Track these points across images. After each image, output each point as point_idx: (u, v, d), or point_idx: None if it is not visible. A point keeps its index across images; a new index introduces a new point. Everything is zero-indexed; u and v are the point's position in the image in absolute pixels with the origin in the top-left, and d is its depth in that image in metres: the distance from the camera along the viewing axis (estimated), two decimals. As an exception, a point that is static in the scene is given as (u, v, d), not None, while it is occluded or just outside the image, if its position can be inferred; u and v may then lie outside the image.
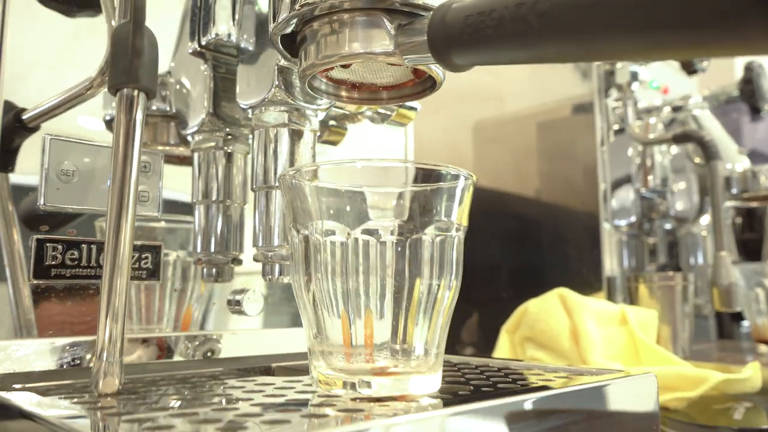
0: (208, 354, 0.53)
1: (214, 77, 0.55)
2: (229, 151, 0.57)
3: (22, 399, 0.37)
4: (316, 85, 0.45)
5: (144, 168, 0.49)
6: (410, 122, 0.59)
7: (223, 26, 0.52)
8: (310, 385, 0.42)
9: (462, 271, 0.42)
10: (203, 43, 0.53)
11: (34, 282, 0.44)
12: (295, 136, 0.50)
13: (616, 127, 0.98)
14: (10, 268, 0.46)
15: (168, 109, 0.59)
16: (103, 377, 0.36)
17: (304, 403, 0.37)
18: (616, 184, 0.99)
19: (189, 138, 0.58)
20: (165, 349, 0.50)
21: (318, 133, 0.52)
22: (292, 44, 0.44)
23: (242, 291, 0.53)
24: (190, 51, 0.54)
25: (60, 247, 0.44)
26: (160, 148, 0.60)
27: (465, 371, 0.50)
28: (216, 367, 0.52)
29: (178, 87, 0.60)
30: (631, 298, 0.85)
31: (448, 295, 0.40)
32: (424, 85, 0.46)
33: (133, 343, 0.48)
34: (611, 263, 0.87)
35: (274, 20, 0.42)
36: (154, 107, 0.59)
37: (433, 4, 0.39)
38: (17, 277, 0.46)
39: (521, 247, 0.98)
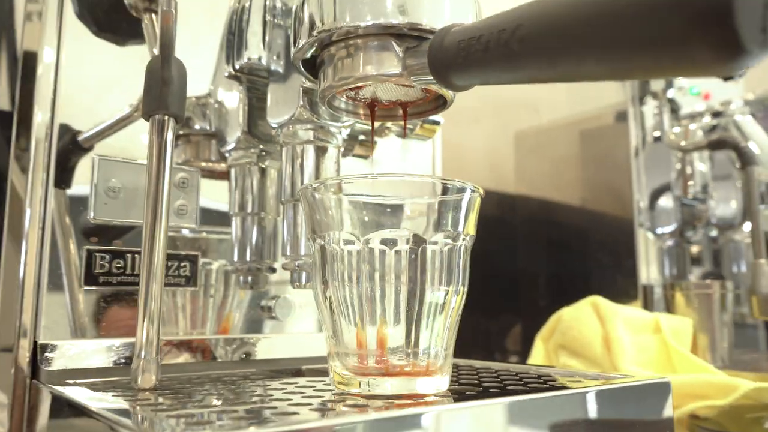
0: (244, 356, 0.57)
1: (248, 98, 0.60)
2: (263, 166, 0.61)
3: (74, 393, 0.41)
4: (336, 105, 0.49)
5: (182, 183, 0.53)
6: (434, 135, 0.62)
7: (254, 51, 0.56)
8: (329, 384, 0.45)
9: (468, 277, 0.44)
10: (237, 66, 0.57)
11: (86, 288, 0.49)
12: (320, 151, 0.54)
13: (656, 134, 0.98)
14: (67, 276, 0.51)
15: (208, 128, 0.64)
16: (141, 374, 0.40)
17: (318, 399, 0.40)
18: (657, 192, 0.99)
19: (227, 155, 0.62)
20: (202, 351, 0.54)
21: (342, 149, 0.55)
22: (314, 67, 0.48)
23: (274, 297, 0.57)
24: (226, 74, 0.59)
25: (107, 256, 0.49)
26: (202, 164, 0.65)
27: (483, 375, 0.52)
28: (250, 368, 0.56)
29: (217, 107, 0.64)
30: (668, 307, 0.85)
31: (455, 301, 0.43)
32: (437, 102, 0.49)
33: (175, 346, 0.52)
34: (647, 271, 0.87)
35: (294, 45, 0.46)
36: (197, 126, 0.64)
37: (438, 27, 0.41)
38: (73, 283, 0.51)
39: (559, 255, 0.98)
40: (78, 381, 0.45)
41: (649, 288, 0.86)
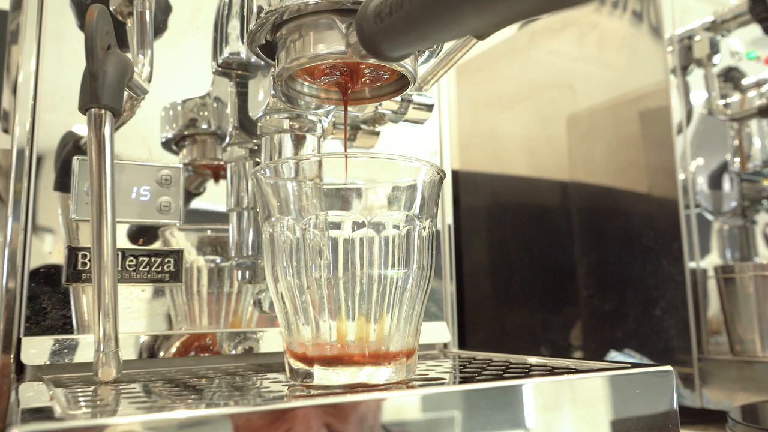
0: (238, 349, 0.57)
1: (237, 93, 0.60)
2: (257, 160, 0.61)
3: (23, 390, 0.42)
4: (297, 89, 0.47)
5: (165, 180, 0.54)
6: (427, 118, 0.59)
7: (234, 45, 0.56)
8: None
9: (430, 262, 0.42)
10: (220, 61, 0.57)
11: (68, 285, 0.50)
12: (298, 141, 0.53)
13: (702, 108, 0.90)
14: (50, 273, 0.53)
15: (206, 127, 0.65)
16: (101, 367, 0.41)
17: (269, 390, 0.39)
18: (712, 169, 0.91)
19: (221, 151, 0.62)
20: (188, 346, 0.54)
21: (322, 137, 0.54)
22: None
23: (261, 291, 0.56)
24: (213, 71, 0.59)
25: (88, 254, 0.50)
26: (205, 162, 0.65)
27: (467, 365, 0.49)
28: (240, 362, 0.56)
29: (216, 106, 0.65)
30: (720, 292, 0.77)
31: (410, 286, 0.40)
32: (404, 81, 0.47)
33: (162, 340, 0.53)
34: (696, 255, 0.79)
35: (246, 31, 0.45)
36: (204, 126, 0.65)
37: (377, -2, 0.39)
38: (58, 281, 0.53)
39: (601, 243, 0.92)
40: (57, 376, 0.47)
41: (699, 272, 0.79)
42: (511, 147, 1.10)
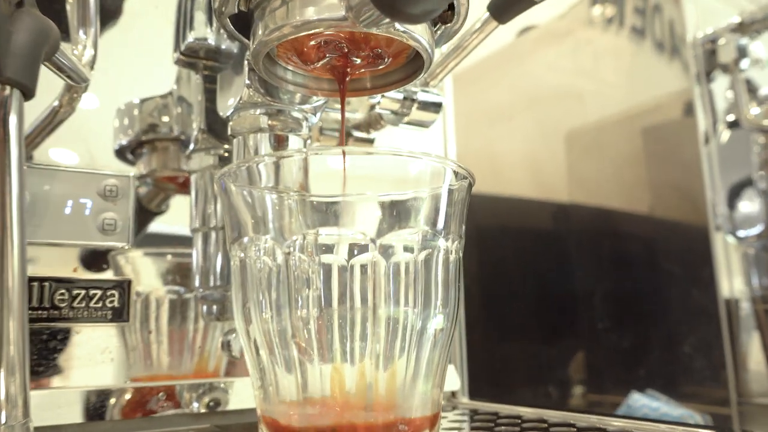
0: (202, 404, 0.46)
1: (205, 89, 0.49)
2: (227, 170, 0.50)
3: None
4: (279, 74, 0.37)
5: (110, 192, 0.43)
6: (434, 121, 0.50)
7: (201, 29, 0.46)
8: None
9: (458, 296, 0.31)
10: (183, 48, 0.47)
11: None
12: (278, 142, 0.42)
13: (729, 118, 0.82)
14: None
15: (167, 131, 0.54)
16: (5, 443, 0.29)
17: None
18: (737, 188, 0.82)
19: (185, 160, 0.52)
20: (143, 401, 0.43)
21: (309, 139, 0.44)
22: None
23: (235, 330, 0.45)
24: (175, 61, 0.49)
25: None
26: (167, 174, 0.55)
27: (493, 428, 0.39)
28: (200, 423, 0.45)
29: (180, 110, 0.54)
30: (760, 324, 0.68)
31: (432, 328, 0.30)
32: (415, 65, 0.37)
33: (100, 396, 0.41)
34: (730, 283, 0.70)
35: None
36: (165, 130, 0.55)
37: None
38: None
39: (619, 269, 0.83)
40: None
41: (733, 303, 0.70)
42: (509, 163, 1.00)
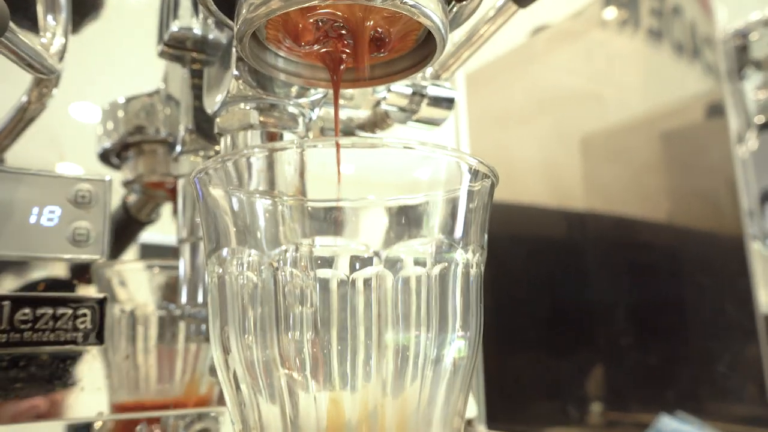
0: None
1: (193, 84, 0.45)
2: (217, 174, 0.45)
3: None
4: (271, 62, 0.32)
5: (82, 198, 0.38)
6: (446, 119, 0.45)
7: (186, 18, 0.41)
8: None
9: (478, 316, 0.26)
10: (167, 39, 0.42)
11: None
12: (271, 141, 0.37)
13: (759, 119, 0.76)
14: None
15: (155, 133, 0.50)
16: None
17: None
18: (760, 191, 0.76)
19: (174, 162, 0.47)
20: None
21: (306, 138, 0.39)
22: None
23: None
24: (159, 53, 0.44)
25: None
26: (156, 179, 0.50)
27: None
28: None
29: (169, 111, 0.50)
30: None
31: (451, 356, 0.25)
32: (424, 51, 0.32)
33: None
34: (768, 296, 0.65)
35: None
36: (152, 131, 0.50)
37: None
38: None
39: (641, 282, 0.77)
40: None
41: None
42: (522, 168, 0.95)
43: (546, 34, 0.93)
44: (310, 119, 0.39)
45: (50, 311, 0.36)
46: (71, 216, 0.37)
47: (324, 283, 0.24)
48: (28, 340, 0.35)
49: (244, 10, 0.29)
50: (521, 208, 0.96)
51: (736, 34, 0.71)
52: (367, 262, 0.24)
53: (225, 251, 0.25)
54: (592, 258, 0.85)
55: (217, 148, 0.45)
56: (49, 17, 0.36)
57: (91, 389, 0.37)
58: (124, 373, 0.42)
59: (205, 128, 0.45)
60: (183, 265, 0.44)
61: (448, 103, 0.44)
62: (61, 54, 0.36)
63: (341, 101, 0.44)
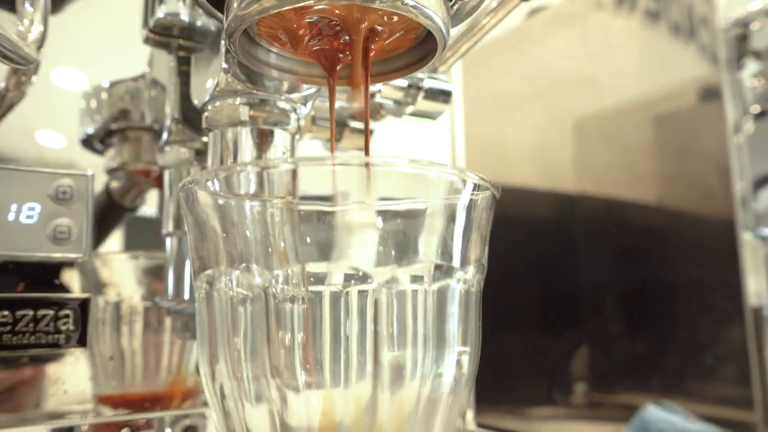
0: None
1: (179, 72, 0.43)
2: (205, 165, 0.44)
3: None
4: (263, 58, 0.31)
5: (62, 195, 0.36)
6: (441, 113, 0.43)
7: (172, 2, 0.39)
8: None
9: (477, 333, 0.25)
10: (152, 25, 0.40)
11: None
12: (261, 137, 0.36)
13: (754, 109, 0.75)
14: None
15: (140, 118, 0.48)
16: None
17: None
18: (760, 182, 0.76)
19: (159, 152, 0.46)
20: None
21: (297, 135, 0.37)
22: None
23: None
24: (144, 39, 0.42)
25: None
26: (140, 167, 0.49)
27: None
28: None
29: (153, 94, 0.48)
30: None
31: (448, 378, 0.24)
32: (424, 49, 0.30)
33: None
34: (758, 287, 0.65)
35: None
36: (137, 117, 0.49)
37: None
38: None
39: (630, 265, 0.77)
40: None
41: (760, 311, 0.64)
42: (515, 151, 0.94)
43: (542, 16, 0.91)
44: (302, 114, 0.38)
45: (30, 313, 0.35)
46: (52, 213, 0.36)
47: (317, 296, 0.23)
48: (8, 343, 0.34)
49: (234, 5, 0.27)
50: (512, 190, 0.95)
51: (737, 23, 0.69)
52: (362, 279, 0.23)
53: (213, 270, 0.23)
54: (583, 239, 0.85)
55: (204, 139, 0.44)
56: (27, 4, 0.34)
57: (75, 393, 0.36)
58: (109, 365, 0.41)
59: (192, 118, 0.43)
60: (168, 258, 0.43)
61: (445, 96, 0.43)
62: (40, 43, 0.34)
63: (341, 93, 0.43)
